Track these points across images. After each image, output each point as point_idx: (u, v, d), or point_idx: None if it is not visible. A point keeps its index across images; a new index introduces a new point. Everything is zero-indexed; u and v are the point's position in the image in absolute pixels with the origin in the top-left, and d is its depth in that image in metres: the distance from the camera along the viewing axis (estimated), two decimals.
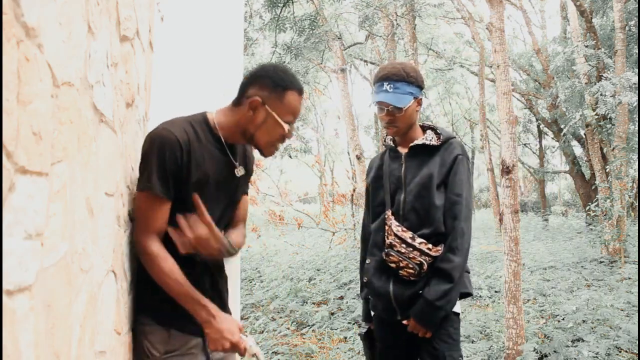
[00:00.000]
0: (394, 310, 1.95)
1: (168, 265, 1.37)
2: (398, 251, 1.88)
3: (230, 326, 1.42)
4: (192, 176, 1.43)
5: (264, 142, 1.49)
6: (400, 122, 1.94)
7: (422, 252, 1.86)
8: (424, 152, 1.96)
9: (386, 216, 1.96)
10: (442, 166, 1.92)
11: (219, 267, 1.62)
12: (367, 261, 2.02)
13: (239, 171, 1.56)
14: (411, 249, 1.87)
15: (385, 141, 2.09)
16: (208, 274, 1.55)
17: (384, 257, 1.92)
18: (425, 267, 1.87)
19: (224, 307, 1.61)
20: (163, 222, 1.41)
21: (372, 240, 2.02)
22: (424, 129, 2.06)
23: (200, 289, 1.44)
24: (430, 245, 1.88)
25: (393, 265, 1.91)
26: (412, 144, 1.97)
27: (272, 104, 1.44)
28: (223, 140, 1.51)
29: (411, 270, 1.87)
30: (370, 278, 1.98)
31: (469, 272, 2.00)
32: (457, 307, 1.94)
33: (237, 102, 1.51)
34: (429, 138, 1.97)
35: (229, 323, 1.42)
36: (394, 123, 1.94)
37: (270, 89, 1.45)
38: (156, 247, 1.38)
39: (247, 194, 1.73)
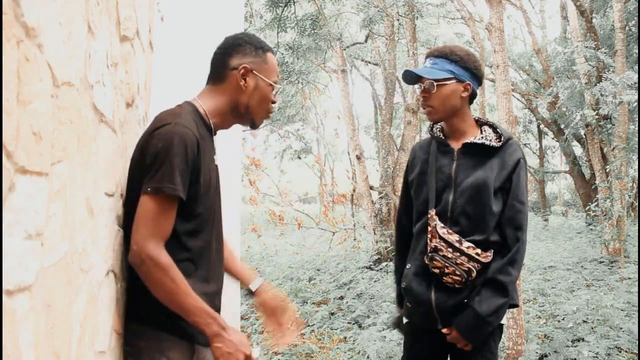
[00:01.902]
0: (434, 319, 1.77)
1: (179, 276, 1.26)
2: (444, 256, 1.69)
3: (242, 338, 1.34)
4: (202, 174, 1.36)
5: (258, 109, 1.47)
6: (435, 102, 1.75)
7: (470, 258, 1.68)
8: (481, 151, 1.76)
9: (429, 216, 1.77)
10: (502, 169, 1.73)
11: (222, 273, 1.55)
12: (408, 266, 1.84)
13: (216, 159, 1.48)
14: (459, 254, 1.68)
15: (431, 130, 1.89)
16: (216, 281, 1.49)
17: (427, 262, 1.75)
18: (474, 274, 1.69)
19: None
20: (172, 225, 1.31)
21: (413, 244, 1.84)
22: (480, 124, 1.85)
23: (210, 301, 1.38)
24: (479, 250, 1.70)
25: (436, 270, 1.73)
26: (468, 141, 1.77)
27: (258, 68, 1.45)
28: (213, 128, 1.45)
29: (457, 278, 1.69)
30: (410, 283, 1.80)
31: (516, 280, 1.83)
32: (503, 319, 1.77)
33: (219, 79, 1.45)
34: (489, 137, 1.77)
35: (239, 335, 1.34)
36: (428, 101, 1.76)
37: (253, 54, 1.45)
38: (166, 255, 1.26)
39: None
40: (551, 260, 7.66)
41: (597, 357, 3.59)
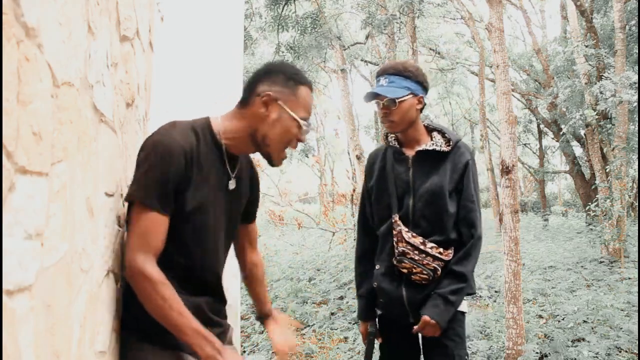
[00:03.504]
0: (406, 314, 1.94)
1: (169, 293, 1.20)
2: (411, 258, 1.86)
3: None
4: (194, 187, 1.30)
5: (277, 143, 1.37)
6: (396, 116, 1.89)
7: (435, 258, 1.86)
8: (432, 157, 1.92)
9: (394, 221, 1.92)
10: (454, 172, 1.91)
11: (219, 290, 1.48)
12: (377, 267, 1.99)
13: (231, 184, 1.41)
14: (424, 255, 1.85)
15: (387, 139, 2.03)
16: (208, 296, 1.43)
17: (396, 264, 1.91)
18: (439, 272, 1.87)
19: (224, 335, 1.48)
20: (162, 239, 1.25)
21: (380, 246, 1.99)
22: (429, 130, 2.00)
23: (199, 315, 1.29)
24: (441, 250, 1.87)
25: (405, 270, 1.90)
26: (420, 149, 1.93)
27: (285, 99, 1.35)
28: (224, 149, 1.38)
29: (425, 276, 1.87)
30: (380, 284, 1.97)
31: (473, 271, 2.00)
32: (464, 306, 1.96)
33: (244, 103, 1.38)
34: (439, 143, 1.93)
35: (235, 358, 1.28)
36: (389, 117, 1.90)
37: (283, 83, 1.36)
38: (156, 271, 1.21)
39: (254, 219, 1.63)
40: (551, 260, 7.66)
41: (597, 357, 3.59)
